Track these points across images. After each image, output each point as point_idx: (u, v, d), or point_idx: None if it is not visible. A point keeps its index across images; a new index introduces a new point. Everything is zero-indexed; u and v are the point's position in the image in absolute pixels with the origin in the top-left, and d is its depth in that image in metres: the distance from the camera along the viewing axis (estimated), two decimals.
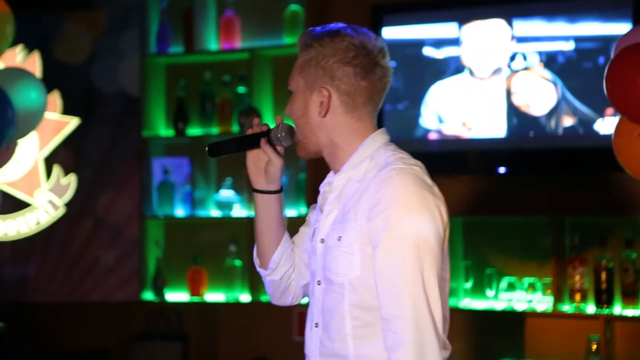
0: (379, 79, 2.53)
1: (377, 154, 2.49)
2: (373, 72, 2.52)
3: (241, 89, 5.47)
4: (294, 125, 2.62)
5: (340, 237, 2.45)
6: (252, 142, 2.66)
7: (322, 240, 2.53)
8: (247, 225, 5.41)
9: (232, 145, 2.69)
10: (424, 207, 2.34)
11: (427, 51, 5.04)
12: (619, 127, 3.49)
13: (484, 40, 4.95)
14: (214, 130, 5.54)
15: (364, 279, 2.39)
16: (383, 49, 2.57)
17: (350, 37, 2.54)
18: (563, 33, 4.78)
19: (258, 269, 2.79)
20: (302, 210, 5.18)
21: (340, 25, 2.60)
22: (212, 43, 5.62)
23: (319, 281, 2.54)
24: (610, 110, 4.56)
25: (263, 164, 2.67)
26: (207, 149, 2.66)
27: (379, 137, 2.53)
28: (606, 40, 4.66)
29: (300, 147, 2.63)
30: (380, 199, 2.37)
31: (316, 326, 2.53)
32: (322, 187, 2.62)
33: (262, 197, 2.68)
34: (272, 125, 2.67)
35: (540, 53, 4.82)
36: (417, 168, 2.42)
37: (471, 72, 4.95)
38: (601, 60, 4.62)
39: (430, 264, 2.30)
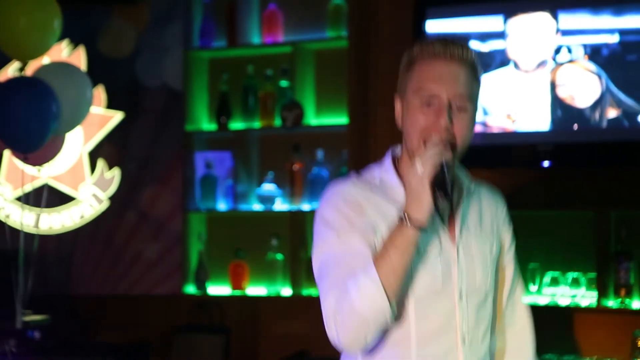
0: None
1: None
2: None
3: (284, 83, 5.51)
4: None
5: (492, 247, 2.59)
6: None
7: (458, 253, 2.51)
8: (289, 219, 5.47)
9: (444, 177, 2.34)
10: None
11: (473, 44, 5.01)
12: None
13: (529, 33, 4.95)
14: (257, 124, 5.57)
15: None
16: None
17: None
18: (608, 26, 4.76)
19: (390, 310, 2.33)
20: None
21: None
22: (255, 37, 5.66)
23: (461, 296, 2.49)
24: None
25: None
26: (444, 191, 2.33)
27: None
28: None
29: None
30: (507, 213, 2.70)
31: (464, 343, 2.47)
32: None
33: (418, 235, 2.33)
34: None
35: (585, 46, 4.81)
36: None
37: (516, 65, 4.95)
38: None
39: None
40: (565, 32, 4.87)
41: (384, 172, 2.53)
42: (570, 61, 4.85)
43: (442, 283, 2.43)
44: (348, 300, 2.30)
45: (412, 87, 2.44)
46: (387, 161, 2.55)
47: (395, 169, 2.53)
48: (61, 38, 4.94)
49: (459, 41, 2.48)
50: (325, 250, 2.43)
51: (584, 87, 4.83)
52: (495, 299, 2.60)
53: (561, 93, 4.87)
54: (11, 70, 5.48)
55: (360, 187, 2.49)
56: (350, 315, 2.31)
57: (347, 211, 2.44)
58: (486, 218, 2.60)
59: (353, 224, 2.42)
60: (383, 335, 2.42)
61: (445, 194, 2.29)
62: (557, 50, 4.87)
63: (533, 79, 4.92)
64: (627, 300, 4.69)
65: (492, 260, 2.54)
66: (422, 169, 2.27)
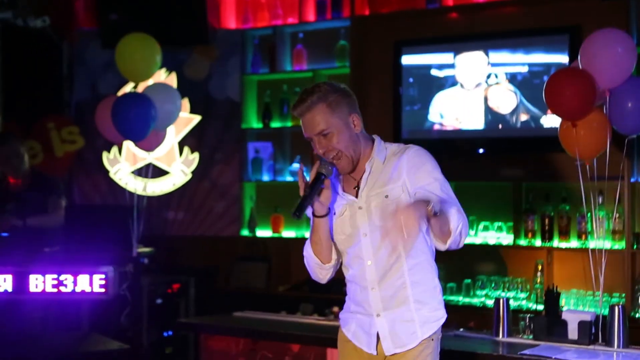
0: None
1: (387, 146, 2.59)
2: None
3: None
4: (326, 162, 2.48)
5: (387, 195, 2.49)
6: (318, 187, 2.47)
7: (360, 207, 2.52)
8: None
9: (308, 200, 2.45)
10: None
11: (433, 72, 5.07)
12: (561, 122, 3.51)
13: (470, 64, 4.98)
14: (289, 123, 5.58)
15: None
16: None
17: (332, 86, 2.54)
18: (521, 61, 4.82)
19: (323, 265, 2.58)
20: None
21: (321, 83, 2.55)
22: (288, 66, 5.68)
23: (365, 233, 2.52)
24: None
25: (322, 198, 2.49)
26: (294, 213, 2.43)
27: (379, 138, 2.61)
28: (548, 65, 4.71)
29: (347, 165, 2.51)
30: (419, 162, 2.49)
31: (369, 264, 2.52)
32: (337, 178, 2.54)
33: (324, 219, 2.51)
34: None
35: (506, 73, 4.86)
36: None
37: (462, 85, 4.99)
38: (545, 78, 4.58)
39: None
40: (494, 64, 4.90)
41: None
42: (497, 83, 4.89)
43: (351, 229, 2.54)
44: (306, 258, 2.64)
45: None
46: None
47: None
48: (161, 67, 4.93)
49: (309, 92, 2.47)
50: None
51: (505, 100, 4.87)
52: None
53: (491, 104, 4.92)
54: (127, 88, 5.53)
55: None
56: (308, 266, 2.65)
57: None
58: (389, 172, 2.52)
59: None
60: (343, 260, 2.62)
61: (300, 212, 2.40)
62: (488, 76, 4.91)
63: (473, 95, 4.96)
64: (532, 240, 4.78)
65: (392, 201, 2.47)
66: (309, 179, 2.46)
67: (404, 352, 2.54)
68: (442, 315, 2.59)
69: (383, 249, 2.51)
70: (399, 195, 2.50)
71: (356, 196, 2.55)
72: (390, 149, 2.58)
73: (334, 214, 2.56)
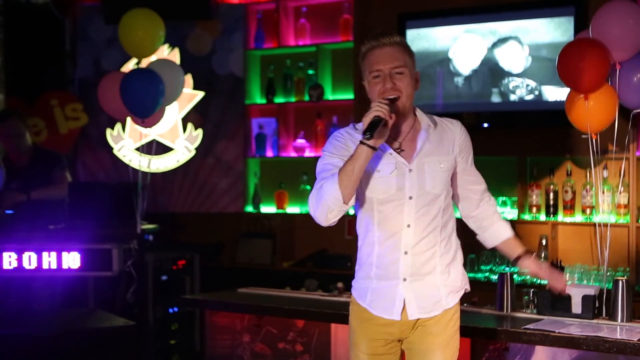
0: None
1: (423, 113, 2.66)
2: None
3: (310, 71, 5.54)
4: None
5: (442, 165, 2.61)
6: (384, 120, 2.46)
7: (411, 170, 2.56)
8: (314, 162, 5.48)
9: (378, 124, 2.43)
10: None
11: (438, 44, 5.02)
12: (569, 95, 3.46)
13: (474, 37, 4.90)
14: (292, 99, 5.57)
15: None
16: None
17: None
18: (527, 34, 4.71)
19: (342, 203, 2.48)
20: None
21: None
22: (291, 40, 5.68)
23: (411, 196, 2.56)
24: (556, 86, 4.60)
25: (384, 133, 2.49)
26: (368, 136, 2.43)
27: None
28: (554, 39, 4.62)
29: (399, 111, 2.55)
30: (469, 145, 2.69)
31: (408, 227, 2.56)
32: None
33: (370, 152, 2.45)
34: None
35: (512, 46, 4.78)
36: None
37: (466, 59, 4.95)
38: (549, 52, 4.59)
39: None
40: (499, 38, 4.81)
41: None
42: (502, 56, 4.83)
43: (396, 190, 2.57)
44: (320, 190, 2.51)
45: (367, 71, 2.57)
46: None
47: None
48: (163, 43, 4.87)
49: (389, 32, 2.57)
50: (320, 164, 2.64)
51: (510, 74, 4.81)
52: (449, 196, 2.64)
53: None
54: (130, 64, 5.46)
55: (348, 131, 2.66)
56: (318, 199, 2.52)
57: (336, 144, 2.63)
58: (443, 143, 2.62)
59: (337, 151, 2.59)
60: (365, 220, 2.64)
61: (372, 132, 2.41)
62: (493, 50, 4.85)
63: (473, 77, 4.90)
64: (537, 215, 4.77)
65: (444, 172, 2.60)
66: (367, 114, 2.45)
67: (429, 318, 2.62)
68: (464, 286, 2.71)
69: (427, 215, 2.57)
70: (450, 169, 2.64)
71: (405, 158, 2.58)
72: (432, 118, 2.66)
73: (377, 170, 2.57)
